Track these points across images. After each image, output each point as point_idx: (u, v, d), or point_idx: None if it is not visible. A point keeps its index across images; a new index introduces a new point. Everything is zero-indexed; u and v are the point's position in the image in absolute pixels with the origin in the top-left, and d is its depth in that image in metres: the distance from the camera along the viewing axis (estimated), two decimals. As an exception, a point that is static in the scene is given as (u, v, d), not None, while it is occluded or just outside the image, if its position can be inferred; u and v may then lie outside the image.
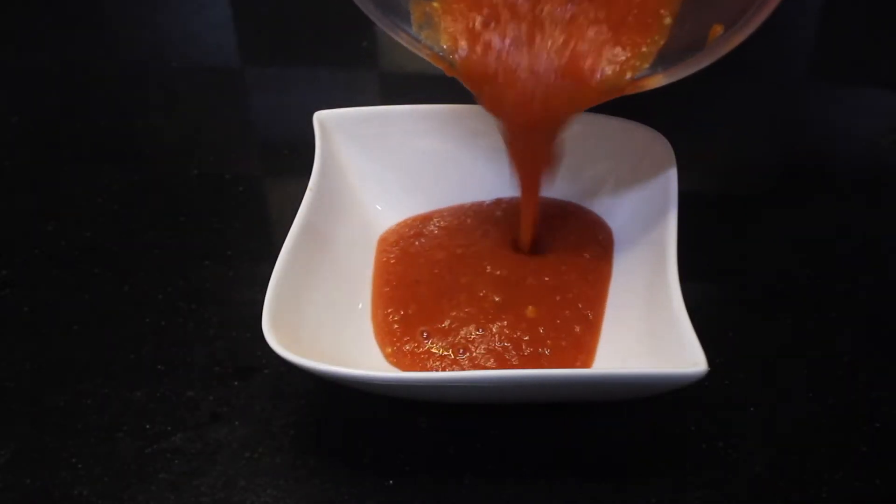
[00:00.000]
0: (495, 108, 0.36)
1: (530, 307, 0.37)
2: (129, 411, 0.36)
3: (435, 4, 0.35)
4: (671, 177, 0.38)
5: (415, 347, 0.36)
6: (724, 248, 0.44)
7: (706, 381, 0.29)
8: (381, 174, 0.44)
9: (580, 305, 0.37)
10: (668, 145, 0.40)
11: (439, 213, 0.44)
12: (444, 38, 0.35)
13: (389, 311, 0.38)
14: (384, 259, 0.41)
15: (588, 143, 0.43)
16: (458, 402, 0.35)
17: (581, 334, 0.36)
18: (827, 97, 0.58)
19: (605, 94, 0.34)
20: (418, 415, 0.35)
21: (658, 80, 0.33)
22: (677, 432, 0.34)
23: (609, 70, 0.33)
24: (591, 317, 0.37)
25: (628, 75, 0.33)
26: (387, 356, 0.36)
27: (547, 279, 0.39)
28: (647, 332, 0.35)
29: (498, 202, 0.44)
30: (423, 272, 0.40)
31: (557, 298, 0.37)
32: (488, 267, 0.39)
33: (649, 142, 0.41)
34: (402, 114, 0.44)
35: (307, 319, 0.35)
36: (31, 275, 0.43)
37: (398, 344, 0.36)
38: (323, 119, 0.43)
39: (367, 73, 0.61)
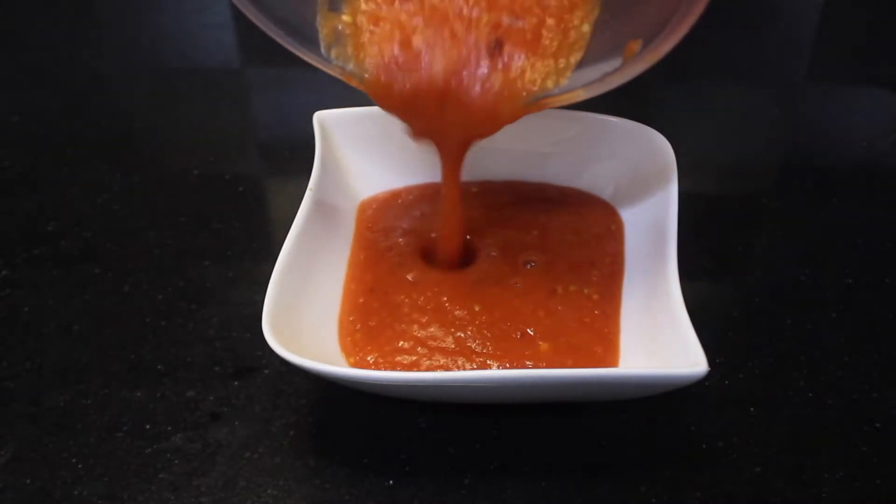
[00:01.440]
0: (411, 121, 0.35)
1: (543, 343, 0.36)
2: (129, 411, 0.36)
3: (345, 18, 0.34)
4: (671, 177, 0.38)
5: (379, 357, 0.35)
6: (725, 248, 0.44)
7: (706, 381, 0.29)
8: (381, 174, 0.44)
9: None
10: (668, 145, 0.40)
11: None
12: (356, 56, 0.34)
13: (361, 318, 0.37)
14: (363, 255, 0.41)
15: (588, 143, 0.43)
16: (458, 401, 0.35)
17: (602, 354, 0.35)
18: (827, 97, 0.58)
19: (523, 108, 0.33)
20: (418, 415, 0.35)
21: (578, 95, 0.33)
22: (677, 432, 0.34)
23: (529, 83, 0.33)
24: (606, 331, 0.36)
25: (549, 87, 0.33)
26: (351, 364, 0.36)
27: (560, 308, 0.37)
28: (647, 332, 0.35)
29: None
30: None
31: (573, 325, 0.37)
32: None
33: (649, 142, 0.41)
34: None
35: (307, 319, 0.35)
36: (31, 275, 0.43)
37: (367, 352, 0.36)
38: (323, 119, 0.43)
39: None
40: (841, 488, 0.32)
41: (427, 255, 0.40)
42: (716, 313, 0.39)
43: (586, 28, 0.33)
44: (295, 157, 0.51)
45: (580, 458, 0.33)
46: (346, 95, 0.60)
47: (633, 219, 0.41)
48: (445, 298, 0.37)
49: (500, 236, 0.41)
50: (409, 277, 0.38)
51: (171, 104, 0.58)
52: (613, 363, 0.34)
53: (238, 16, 0.70)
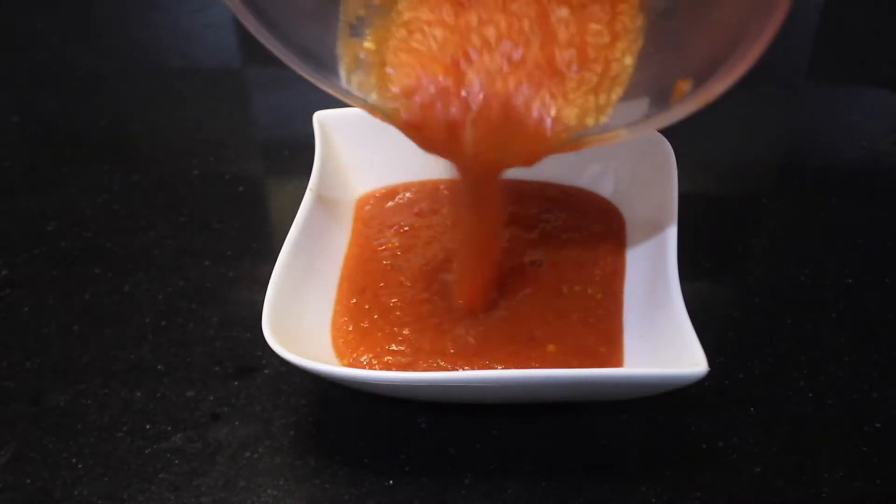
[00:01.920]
0: (448, 156, 0.33)
1: (551, 345, 0.35)
2: (129, 411, 0.36)
3: (367, 45, 0.32)
4: (671, 177, 0.38)
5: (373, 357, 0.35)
6: (725, 248, 0.44)
7: (706, 381, 0.29)
8: (381, 174, 0.44)
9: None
10: (668, 146, 0.40)
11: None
12: (380, 87, 0.32)
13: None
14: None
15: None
16: (459, 401, 0.35)
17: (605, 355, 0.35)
18: (827, 97, 0.58)
19: (560, 147, 0.31)
20: (418, 415, 0.35)
21: (619, 135, 0.30)
22: (677, 432, 0.34)
23: (566, 121, 0.30)
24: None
25: (589, 124, 0.31)
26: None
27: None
28: (647, 332, 0.35)
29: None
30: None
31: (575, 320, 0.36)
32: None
33: (649, 142, 0.41)
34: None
35: (307, 319, 0.35)
36: (31, 275, 0.43)
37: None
38: (323, 119, 0.43)
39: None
40: (841, 488, 0.32)
41: (425, 258, 0.40)
42: (716, 313, 0.39)
43: (629, 61, 0.31)
44: (295, 157, 0.51)
45: (580, 458, 0.33)
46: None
47: (634, 219, 0.41)
48: (445, 299, 0.37)
49: (503, 235, 0.40)
50: (402, 279, 0.38)
51: (171, 104, 0.58)
52: (618, 364, 0.34)
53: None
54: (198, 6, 0.71)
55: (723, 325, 0.39)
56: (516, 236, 0.41)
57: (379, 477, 0.33)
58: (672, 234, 0.36)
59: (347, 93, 0.32)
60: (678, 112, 0.29)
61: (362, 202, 0.43)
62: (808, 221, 0.46)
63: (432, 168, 0.44)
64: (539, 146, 0.31)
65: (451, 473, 0.33)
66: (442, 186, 0.44)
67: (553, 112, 0.30)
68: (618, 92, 0.31)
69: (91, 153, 0.52)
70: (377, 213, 0.42)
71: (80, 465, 0.33)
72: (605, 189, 0.43)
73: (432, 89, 0.30)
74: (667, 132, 0.41)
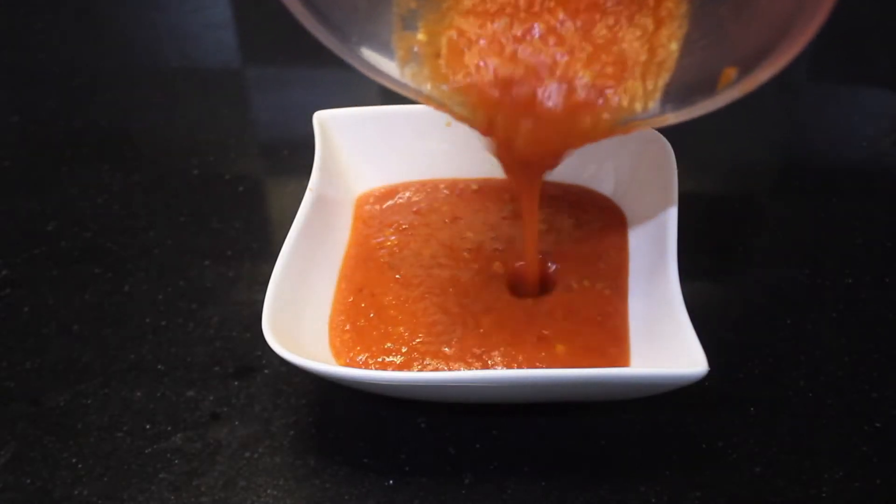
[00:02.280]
0: (500, 144, 0.34)
1: (560, 346, 0.35)
2: (129, 411, 0.36)
3: (420, 37, 0.33)
4: (671, 177, 0.38)
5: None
6: (724, 248, 0.44)
7: (706, 381, 0.29)
8: (381, 174, 0.44)
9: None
10: (668, 145, 0.40)
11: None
12: (436, 77, 0.32)
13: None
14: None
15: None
16: (459, 401, 0.35)
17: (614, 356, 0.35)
18: (827, 97, 0.58)
19: (609, 131, 0.32)
20: (418, 415, 0.35)
21: (666, 119, 0.31)
22: (677, 432, 0.34)
23: (616, 105, 0.31)
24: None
25: (637, 110, 0.32)
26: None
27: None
28: (647, 331, 0.35)
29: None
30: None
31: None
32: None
33: (649, 142, 0.41)
34: (402, 114, 0.44)
35: (307, 319, 0.35)
36: (31, 275, 0.43)
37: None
38: (323, 119, 0.43)
39: (367, 73, 0.61)
40: (841, 488, 0.32)
41: (425, 256, 0.40)
42: (716, 313, 0.39)
43: (674, 46, 0.31)
44: (295, 157, 0.51)
45: (580, 458, 0.33)
46: (346, 95, 0.60)
47: (634, 219, 0.41)
48: (447, 300, 0.37)
49: (506, 232, 0.41)
50: (398, 277, 0.38)
51: (171, 104, 0.58)
52: (625, 365, 0.34)
53: (238, 16, 0.70)
54: (198, 6, 0.71)
55: (723, 325, 0.39)
56: (521, 232, 0.41)
57: (379, 477, 0.33)
58: (672, 233, 0.36)
59: (403, 85, 0.33)
60: (725, 98, 0.30)
61: (362, 201, 0.43)
62: (808, 221, 0.46)
63: (432, 167, 0.44)
64: (591, 132, 0.32)
65: (451, 473, 0.33)
66: (442, 186, 0.44)
67: (604, 99, 0.31)
68: (664, 78, 0.31)
69: (91, 153, 0.52)
70: (376, 211, 0.42)
71: (80, 465, 0.33)
72: (606, 188, 0.43)
73: (490, 78, 0.31)
74: (667, 132, 0.41)
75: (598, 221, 0.41)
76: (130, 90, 0.60)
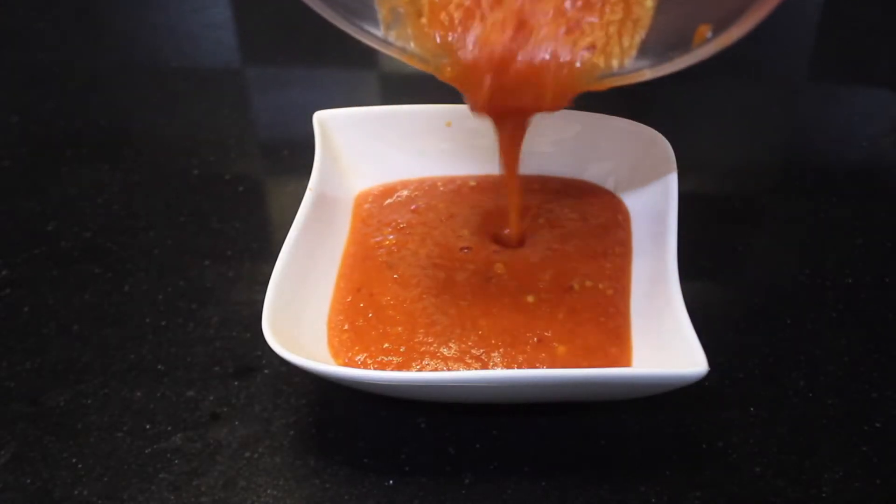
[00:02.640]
0: (487, 101, 0.34)
1: (561, 346, 0.35)
2: (129, 411, 0.36)
3: None
4: (671, 177, 0.38)
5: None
6: (725, 248, 0.44)
7: (706, 381, 0.29)
8: (381, 174, 0.44)
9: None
10: (668, 146, 0.40)
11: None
12: (419, 37, 0.33)
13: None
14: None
15: (588, 143, 0.43)
16: (459, 401, 0.35)
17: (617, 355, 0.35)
18: (827, 97, 0.58)
19: (587, 86, 0.33)
20: (418, 415, 0.35)
21: (643, 75, 0.32)
22: (677, 432, 0.34)
23: (593, 62, 0.32)
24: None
25: (614, 66, 0.33)
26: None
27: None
28: (647, 331, 0.35)
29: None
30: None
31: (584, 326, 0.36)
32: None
33: (649, 142, 0.41)
34: (402, 114, 0.44)
35: (307, 319, 0.35)
36: (31, 275, 0.43)
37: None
38: (323, 119, 0.43)
39: (367, 73, 0.61)
40: (841, 488, 0.32)
41: (423, 256, 0.40)
42: (716, 313, 0.39)
43: (650, 3, 0.32)
44: (295, 157, 0.51)
45: (580, 458, 0.33)
46: (346, 95, 0.60)
47: (635, 218, 0.41)
48: (443, 300, 0.37)
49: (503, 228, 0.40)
50: (396, 277, 0.38)
51: (171, 104, 0.58)
52: (627, 365, 0.34)
53: (238, 16, 0.70)
54: (198, 6, 0.71)
55: (723, 325, 0.39)
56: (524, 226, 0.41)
57: (379, 477, 0.33)
58: (672, 234, 0.36)
59: (386, 43, 0.34)
60: (699, 54, 0.31)
61: (361, 200, 0.43)
62: (808, 221, 0.46)
63: (432, 166, 0.44)
64: (570, 86, 0.33)
65: (451, 473, 0.33)
66: (439, 183, 0.44)
67: (581, 55, 0.32)
68: (640, 35, 0.32)
69: (91, 153, 0.52)
70: (375, 210, 0.42)
71: (80, 465, 0.33)
72: (607, 188, 0.43)
73: (470, 38, 0.32)
74: (667, 132, 0.41)
75: (602, 216, 0.41)
76: (130, 90, 0.60)
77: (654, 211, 0.39)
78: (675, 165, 0.39)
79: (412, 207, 0.42)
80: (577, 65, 0.32)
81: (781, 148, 0.54)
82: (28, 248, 0.44)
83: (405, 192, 0.44)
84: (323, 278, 0.38)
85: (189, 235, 0.45)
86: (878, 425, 0.34)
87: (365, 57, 0.61)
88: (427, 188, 0.44)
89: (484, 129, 0.43)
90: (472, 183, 0.44)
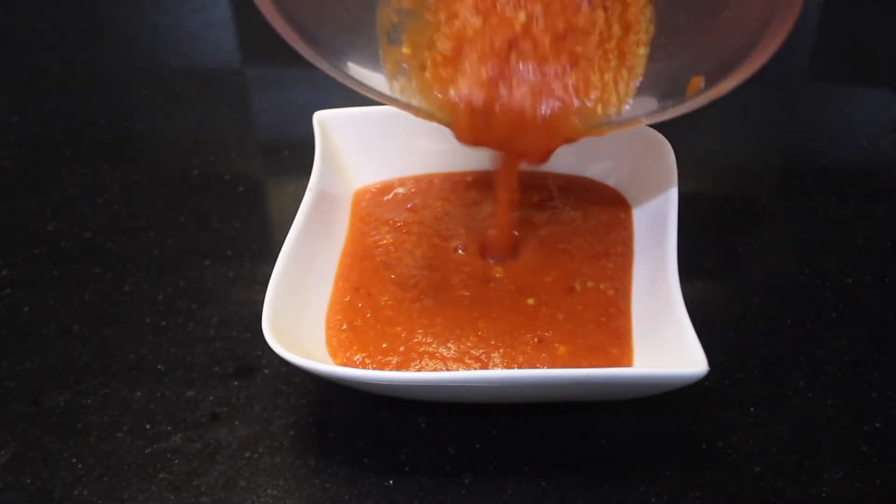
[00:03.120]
0: (489, 146, 0.35)
1: (561, 347, 0.35)
2: (129, 411, 0.36)
3: (405, 51, 0.34)
4: (671, 177, 0.38)
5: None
6: (725, 248, 0.44)
7: (706, 381, 0.29)
8: (381, 174, 0.44)
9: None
10: (668, 146, 0.40)
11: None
12: (423, 90, 0.34)
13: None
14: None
15: (588, 143, 0.43)
16: (459, 401, 0.35)
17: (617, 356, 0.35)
18: (827, 97, 0.58)
19: (585, 133, 0.34)
20: (418, 415, 0.35)
21: (638, 122, 0.33)
22: (677, 432, 0.34)
23: (591, 110, 0.33)
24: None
25: (611, 113, 0.33)
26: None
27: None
28: (647, 331, 0.35)
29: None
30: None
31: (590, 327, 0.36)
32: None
33: (649, 142, 0.41)
34: (402, 114, 0.44)
35: (307, 319, 0.35)
36: (31, 275, 0.43)
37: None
38: (323, 119, 0.43)
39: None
40: (841, 488, 0.32)
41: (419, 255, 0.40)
42: (716, 313, 0.39)
43: (642, 51, 0.33)
44: (295, 157, 0.51)
45: (580, 458, 0.33)
46: (346, 95, 0.60)
47: (636, 217, 0.41)
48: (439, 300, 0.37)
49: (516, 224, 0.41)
50: (393, 277, 0.38)
51: (171, 104, 0.58)
52: (628, 364, 0.34)
53: (238, 16, 0.70)
54: (198, 6, 0.71)
55: (723, 325, 0.39)
56: (527, 219, 0.41)
57: (379, 477, 0.33)
58: (672, 233, 0.36)
59: (392, 99, 0.34)
60: (693, 104, 0.32)
61: (359, 198, 0.43)
62: (808, 221, 0.46)
63: (431, 166, 0.44)
64: (569, 136, 0.34)
65: (451, 473, 0.33)
66: (436, 180, 0.44)
67: (579, 106, 0.33)
68: (635, 82, 0.33)
69: (91, 153, 0.52)
70: (373, 208, 0.42)
71: (80, 465, 0.33)
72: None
73: (472, 94, 0.33)
74: (667, 132, 0.41)
75: (605, 214, 0.41)
76: (130, 90, 0.60)
77: (654, 211, 0.39)
78: (675, 166, 0.39)
79: (408, 206, 0.42)
80: (579, 120, 0.33)
81: (781, 148, 0.54)
82: (28, 248, 0.44)
83: (402, 190, 0.44)
84: (323, 279, 0.38)
85: (189, 235, 0.45)
86: (878, 425, 0.34)
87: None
88: (424, 185, 0.44)
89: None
90: (469, 178, 0.44)
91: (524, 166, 0.40)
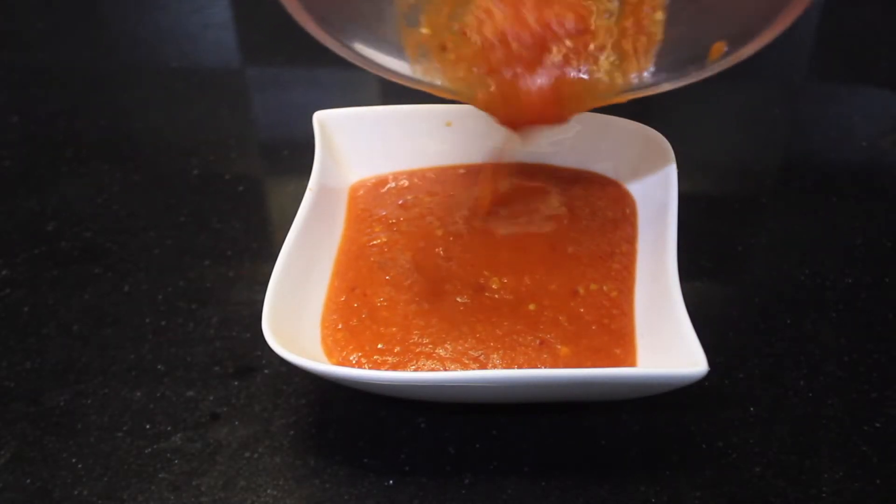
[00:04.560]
0: (511, 120, 0.35)
1: (564, 348, 0.35)
2: (129, 411, 0.36)
3: (424, 31, 0.34)
4: (671, 177, 0.38)
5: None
6: (724, 248, 0.44)
7: (706, 381, 0.29)
8: (381, 174, 0.44)
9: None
10: (668, 146, 0.40)
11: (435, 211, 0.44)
12: (446, 70, 0.34)
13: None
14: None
15: (588, 143, 0.43)
16: (459, 401, 0.35)
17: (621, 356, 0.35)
18: (827, 97, 0.58)
19: (606, 101, 0.34)
20: (418, 415, 0.35)
21: (661, 88, 0.33)
22: (677, 432, 0.34)
23: (611, 77, 0.33)
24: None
25: (633, 80, 0.33)
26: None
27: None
28: (647, 331, 0.35)
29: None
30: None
31: (593, 328, 0.36)
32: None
33: (649, 142, 0.41)
34: (402, 114, 0.44)
35: (307, 319, 0.35)
36: (31, 275, 0.43)
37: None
38: (323, 119, 0.43)
39: (367, 74, 0.61)
40: (841, 488, 0.32)
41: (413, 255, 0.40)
42: (716, 313, 0.39)
43: (659, 16, 0.33)
44: (295, 157, 0.51)
45: (580, 458, 0.33)
46: (346, 95, 0.60)
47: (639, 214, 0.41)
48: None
49: (512, 221, 0.40)
50: (388, 278, 0.38)
51: (171, 104, 0.58)
52: (632, 365, 0.34)
53: (238, 16, 0.70)
54: (198, 6, 0.71)
55: (723, 325, 0.39)
56: (533, 210, 0.41)
57: (379, 477, 0.33)
58: (672, 234, 0.36)
59: (416, 81, 0.34)
60: (715, 68, 0.32)
61: (355, 193, 0.43)
62: (808, 221, 0.46)
63: (425, 160, 0.44)
64: (590, 101, 0.34)
65: (451, 473, 0.33)
66: (429, 175, 0.44)
67: (601, 71, 0.33)
68: (654, 49, 0.33)
69: (91, 153, 0.52)
70: (369, 205, 0.42)
71: (80, 465, 0.33)
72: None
73: (498, 68, 0.33)
74: (667, 132, 0.41)
75: (611, 210, 0.41)
76: (130, 90, 0.60)
77: (654, 211, 0.39)
78: (675, 166, 0.39)
79: (399, 202, 0.42)
80: (602, 87, 0.33)
81: (781, 148, 0.54)
82: (28, 248, 0.44)
83: (394, 184, 0.43)
84: (320, 278, 0.38)
85: (189, 235, 0.45)
86: (878, 425, 0.34)
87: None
88: (417, 180, 0.44)
89: (484, 130, 0.44)
90: (462, 171, 0.44)
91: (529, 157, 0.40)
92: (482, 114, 0.42)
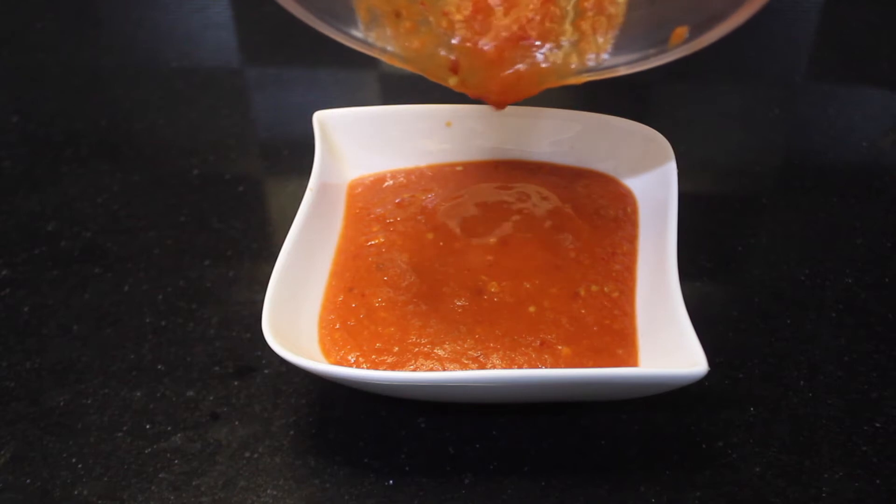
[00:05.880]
0: (471, 88, 0.35)
1: (565, 348, 0.35)
2: (129, 411, 0.36)
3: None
4: (671, 177, 0.38)
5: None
6: (724, 248, 0.44)
7: (706, 381, 0.29)
8: (381, 174, 0.44)
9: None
10: (668, 145, 0.40)
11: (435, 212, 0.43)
12: (398, 38, 0.34)
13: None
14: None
15: (587, 142, 0.43)
16: (459, 401, 0.35)
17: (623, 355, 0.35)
18: (827, 97, 0.58)
19: (563, 80, 0.33)
20: (418, 415, 0.35)
21: (618, 71, 0.33)
22: (677, 432, 0.34)
23: (569, 59, 0.33)
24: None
25: (590, 61, 0.33)
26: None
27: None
28: (647, 331, 0.35)
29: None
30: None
31: (595, 329, 0.36)
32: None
33: (649, 142, 0.41)
34: (402, 114, 0.44)
35: (307, 319, 0.35)
36: (31, 275, 0.43)
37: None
38: (323, 119, 0.43)
39: (367, 73, 0.61)
40: (841, 488, 0.32)
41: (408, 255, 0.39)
42: (716, 313, 0.39)
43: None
44: (295, 156, 0.51)
45: (580, 458, 0.33)
46: (346, 95, 0.60)
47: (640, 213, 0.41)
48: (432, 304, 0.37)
49: (513, 219, 0.40)
50: (385, 278, 0.38)
51: (171, 104, 0.58)
52: (634, 365, 0.34)
53: (238, 16, 0.70)
54: (198, 6, 0.71)
55: (723, 325, 0.39)
56: (533, 209, 0.40)
57: (379, 477, 0.33)
58: (672, 234, 0.36)
59: (366, 44, 0.34)
60: (675, 54, 0.31)
61: (353, 191, 0.43)
62: (808, 221, 0.46)
63: (423, 159, 0.45)
64: (545, 81, 0.33)
65: (451, 473, 0.33)
66: (427, 173, 0.44)
67: (558, 51, 0.33)
68: (614, 31, 0.33)
69: (91, 153, 0.52)
70: (368, 205, 0.42)
71: (80, 465, 0.33)
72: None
73: (452, 39, 0.33)
74: (667, 132, 0.41)
75: (612, 208, 0.41)
76: (130, 90, 0.60)
77: (653, 211, 0.39)
78: (675, 165, 0.39)
79: (397, 200, 0.42)
80: (550, 61, 0.33)
81: (781, 148, 0.54)
82: (28, 248, 0.44)
83: (391, 182, 0.43)
84: (319, 278, 0.38)
85: (189, 235, 0.45)
86: (878, 425, 0.34)
87: (364, 57, 0.61)
88: (414, 178, 0.44)
89: (484, 130, 0.44)
90: (459, 168, 0.44)
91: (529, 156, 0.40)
92: (482, 114, 0.43)
